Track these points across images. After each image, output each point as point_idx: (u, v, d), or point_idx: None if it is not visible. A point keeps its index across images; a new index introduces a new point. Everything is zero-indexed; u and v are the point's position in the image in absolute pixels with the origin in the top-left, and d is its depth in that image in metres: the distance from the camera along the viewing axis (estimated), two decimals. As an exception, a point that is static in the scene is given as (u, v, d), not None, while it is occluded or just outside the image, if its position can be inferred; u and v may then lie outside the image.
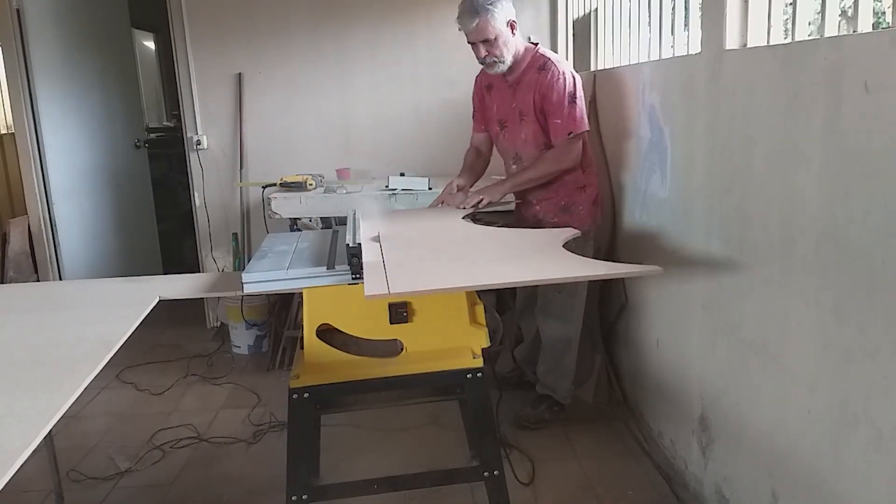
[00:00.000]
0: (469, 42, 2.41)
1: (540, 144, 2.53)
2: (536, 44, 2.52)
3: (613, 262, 2.84)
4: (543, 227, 2.59)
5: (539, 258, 1.81)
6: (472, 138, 2.80)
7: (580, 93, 2.45)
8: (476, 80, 2.71)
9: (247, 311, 3.60)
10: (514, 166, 2.65)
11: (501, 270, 1.67)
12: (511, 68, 2.46)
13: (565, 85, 2.41)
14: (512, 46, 2.41)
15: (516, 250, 1.91)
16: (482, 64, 2.45)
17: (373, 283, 1.52)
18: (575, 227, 2.59)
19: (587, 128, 2.48)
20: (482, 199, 2.49)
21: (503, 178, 2.70)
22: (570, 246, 2.50)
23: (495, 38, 2.36)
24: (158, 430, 2.87)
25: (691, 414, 2.22)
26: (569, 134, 2.42)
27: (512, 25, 2.39)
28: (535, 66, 2.46)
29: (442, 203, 2.58)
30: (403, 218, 2.58)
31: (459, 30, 2.40)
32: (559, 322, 2.67)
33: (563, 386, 2.73)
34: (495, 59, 2.40)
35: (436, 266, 1.75)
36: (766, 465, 1.78)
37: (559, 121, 2.42)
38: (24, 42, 3.78)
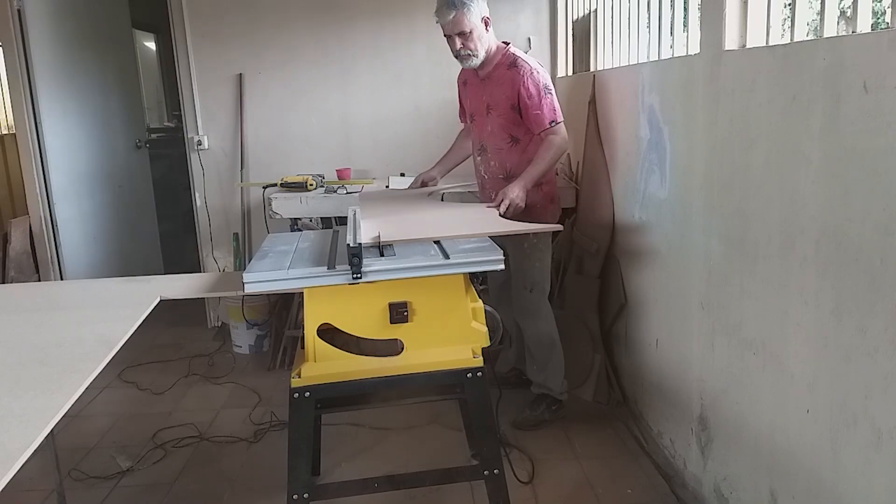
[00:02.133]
0: (445, 35, 2.53)
1: (505, 137, 2.62)
2: (508, 43, 2.63)
3: (607, 258, 2.85)
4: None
5: (473, 221, 2.31)
6: (461, 129, 3.00)
7: (551, 86, 2.58)
8: (458, 77, 2.85)
9: (247, 311, 3.61)
10: (478, 157, 2.76)
11: (448, 228, 2.19)
12: (483, 64, 2.58)
13: (539, 78, 2.53)
14: (485, 42, 2.54)
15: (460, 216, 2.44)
16: (456, 57, 2.56)
17: (386, 236, 1.96)
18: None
19: (562, 118, 2.58)
20: (510, 204, 2.42)
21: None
22: (531, 241, 2.64)
23: (470, 32, 2.48)
24: (160, 429, 2.88)
25: (690, 413, 2.22)
26: (551, 123, 2.53)
27: (486, 22, 2.51)
28: (506, 63, 2.57)
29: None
30: (392, 199, 2.83)
31: (437, 22, 2.52)
32: (537, 320, 2.72)
33: (556, 381, 2.75)
34: (469, 53, 2.52)
35: (408, 227, 2.21)
36: (765, 465, 1.78)
37: (539, 112, 2.52)
38: (25, 42, 3.78)
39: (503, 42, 2.64)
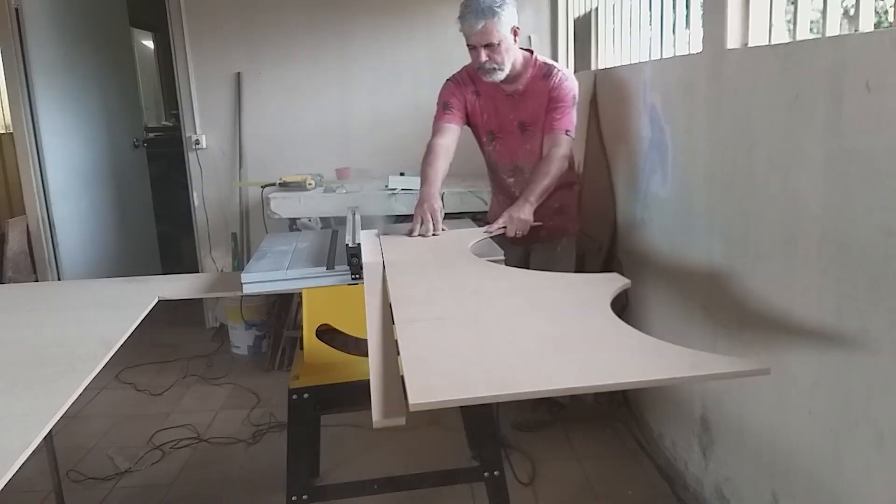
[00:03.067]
0: (469, 44, 2.29)
1: None
2: (531, 51, 2.46)
3: (609, 258, 2.84)
4: (538, 232, 2.47)
5: (598, 340, 1.28)
6: (440, 131, 2.46)
7: (577, 99, 2.43)
8: (455, 80, 2.51)
9: (246, 312, 3.60)
10: (510, 179, 2.56)
11: (565, 368, 1.15)
12: (508, 78, 2.36)
13: (570, 88, 2.39)
14: (513, 54, 2.31)
15: (567, 325, 1.37)
16: (480, 70, 2.32)
17: (417, 390, 1.04)
18: (569, 229, 2.60)
19: (575, 134, 2.44)
20: (521, 226, 2.22)
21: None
22: (564, 244, 2.51)
23: (499, 44, 2.25)
24: (158, 430, 2.87)
25: (692, 415, 2.22)
26: (566, 132, 2.39)
27: (515, 32, 2.30)
28: (540, 74, 2.39)
29: (416, 232, 2.16)
30: (414, 267, 1.85)
31: (460, 30, 2.28)
32: None
33: None
34: (495, 66, 2.28)
35: (474, 356, 1.22)
36: (767, 466, 1.78)
37: (559, 116, 2.37)
38: (22, 41, 3.76)
39: (527, 50, 2.42)
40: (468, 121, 2.55)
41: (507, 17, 2.24)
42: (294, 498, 1.87)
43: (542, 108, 2.39)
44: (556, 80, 2.38)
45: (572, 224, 2.62)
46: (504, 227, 2.21)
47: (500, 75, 2.32)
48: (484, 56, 2.26)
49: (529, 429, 2.70)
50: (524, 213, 2.21)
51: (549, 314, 1.44)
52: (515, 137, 2.48)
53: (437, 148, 2.42)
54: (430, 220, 2.16)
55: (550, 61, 2.45)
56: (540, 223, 2.31)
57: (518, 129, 2.46)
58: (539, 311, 1.47)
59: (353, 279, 1.80)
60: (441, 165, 2.39)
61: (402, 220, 3.07)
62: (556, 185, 2.43)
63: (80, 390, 1.27)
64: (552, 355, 1.20)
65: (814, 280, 1.52)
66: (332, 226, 3.17)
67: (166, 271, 4.70)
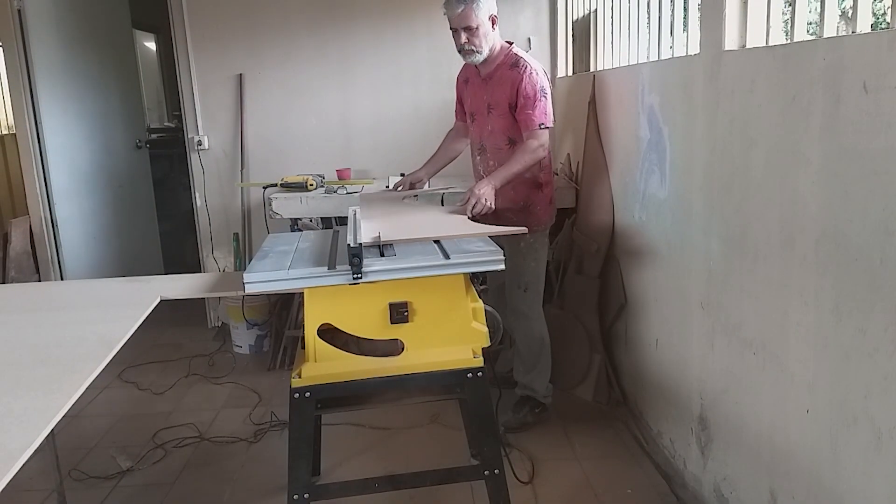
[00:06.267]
0: (451, 28, 2.54)
1: (504, 138, 2.62)
2: (511, 43, 2.63)
3: (607, 258, 2.85)
4: (502, 224, 2.52)
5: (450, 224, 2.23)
6: (454, 127, 2.96)
7: (549, 90, 2.57)
8: (460, 72, 2.84)
9: (248, 311, 3.61)
10: (478, 157, 2.75)
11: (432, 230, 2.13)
12: (486, 62, 2.58)
13: (537, 80, 2.52)
14: (490, 40, 2.54)
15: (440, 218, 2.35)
16: (460, 52, 2.56)
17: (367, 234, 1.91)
18: (532, 226, 2.64)
19: (553, 123, 2.58)
20: (486, 205, 2.41)
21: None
22: (528, 240, 2.65)
23: (476, 28, 2.48)
24: (160, 429, 2.88)
25: (690, 413, 2.22)
26: (540, 125, 2.52)
27: (493, 20, 2.52)
28: (508, 63, 2.57)
29: (400, 188, 2.81)
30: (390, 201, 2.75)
31: (444, 14, 2.53)
32: (529, 320, 2.73)
33: (541, 384, 2.76)
34: (473, 49, 2.52)
35: (402, 229, 2.12)
36: (765, 465, 1.78)
37: (531, 111, 2.51)
38: (25, 42, 3.78)
39: (507, 42, 2.62)
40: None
41: (486, 6, 2.49)
42: (295, 496, 1.88)
43: (505, 94, 2.56)
44: (522, 74, 2.52)
45: (536, 222, 2.66)
46: (463, 204, 2.38)
47: (479, 58, 2.56)
48: (463, 38, 2.51)
49: (514, 429, 2.71)
50: (484, 190, 2.40)
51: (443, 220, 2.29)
52: (484, 118, 2.67)
53: (443, 141, 2.96)
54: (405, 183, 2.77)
55: (522, 54, 2.59)
56: (500, 210, 2.48)
57: (486, 109, 2.64)
58: (437, 220, 2.31)
59: (354, 279, 1.80)
60: (438, 155, 2.94)
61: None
62: (523, 183, 2.59)
63: (83, 390, 1.28)
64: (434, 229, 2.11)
65: (812, 279, 1.53)
66: (334, 226, 3.18)
67: (168, 271, 4.72)
